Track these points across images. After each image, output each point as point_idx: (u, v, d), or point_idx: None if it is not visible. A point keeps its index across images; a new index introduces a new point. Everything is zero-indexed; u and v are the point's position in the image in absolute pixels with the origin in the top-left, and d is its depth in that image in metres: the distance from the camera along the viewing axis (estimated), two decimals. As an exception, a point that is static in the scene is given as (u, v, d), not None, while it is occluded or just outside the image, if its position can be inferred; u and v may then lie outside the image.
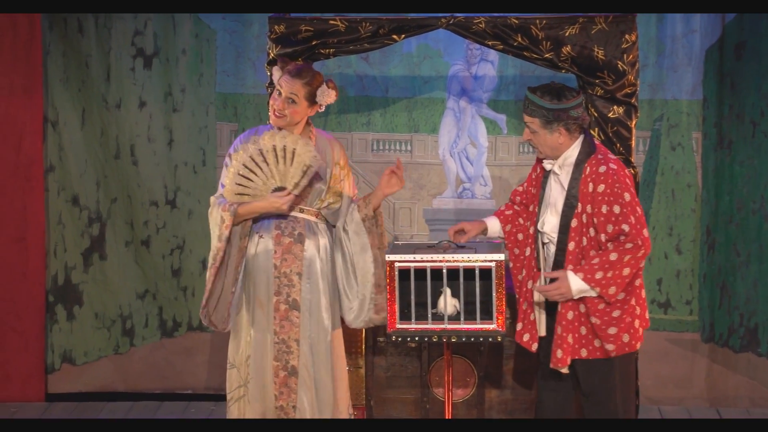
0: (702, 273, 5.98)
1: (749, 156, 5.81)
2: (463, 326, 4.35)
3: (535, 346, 4.41)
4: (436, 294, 4.37)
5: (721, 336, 5.97)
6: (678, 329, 6.01)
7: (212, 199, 4.54)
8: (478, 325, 4.35)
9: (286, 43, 5.02)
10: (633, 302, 4.25)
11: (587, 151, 4.26)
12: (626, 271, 4.12)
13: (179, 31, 5.97)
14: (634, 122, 5.02)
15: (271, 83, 4.91)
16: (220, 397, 5.31)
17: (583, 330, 4.25)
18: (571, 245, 4.23)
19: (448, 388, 4.68)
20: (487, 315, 4.34)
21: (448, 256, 4.32)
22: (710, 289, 5.97)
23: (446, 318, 4.34)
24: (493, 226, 4.61)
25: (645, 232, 4.17)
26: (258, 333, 4.51)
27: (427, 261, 4.32)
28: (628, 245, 4.11)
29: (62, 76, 5.92)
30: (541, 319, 4.40)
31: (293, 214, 4.51)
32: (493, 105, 6.00)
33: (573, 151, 4.27)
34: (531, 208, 4.49)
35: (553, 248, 4.32)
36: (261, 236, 4.52)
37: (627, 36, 4.94)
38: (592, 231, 4.20)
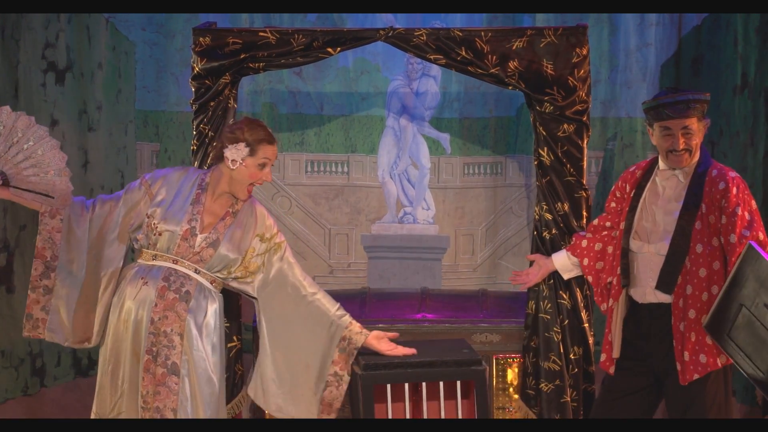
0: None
1: (708, 178, 5.68)
2: None
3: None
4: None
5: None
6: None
7: None
8: None
9: (212, 57, 4.89)
10: None
11: (706, 154, 4.32)
12: None
13: (95, 44, 5.89)
14: (585, 141, 4.89)
15: (197, 99, 4.86)
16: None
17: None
18: (699, 247, 4.20)
19: None
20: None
21: None
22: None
23: None
24: (558, 259, 4.61)
25: None
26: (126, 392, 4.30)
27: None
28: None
29: (-37, 92, 5.80)
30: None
31: (186, 271, 4.23)
32: (436, 123, 6.00)
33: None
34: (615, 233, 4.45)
35: (654, 258, 4.26)
36: (145, 283, 4.24)
37: (578, 49, 4.85)
38: (714, 240, 4.22)
